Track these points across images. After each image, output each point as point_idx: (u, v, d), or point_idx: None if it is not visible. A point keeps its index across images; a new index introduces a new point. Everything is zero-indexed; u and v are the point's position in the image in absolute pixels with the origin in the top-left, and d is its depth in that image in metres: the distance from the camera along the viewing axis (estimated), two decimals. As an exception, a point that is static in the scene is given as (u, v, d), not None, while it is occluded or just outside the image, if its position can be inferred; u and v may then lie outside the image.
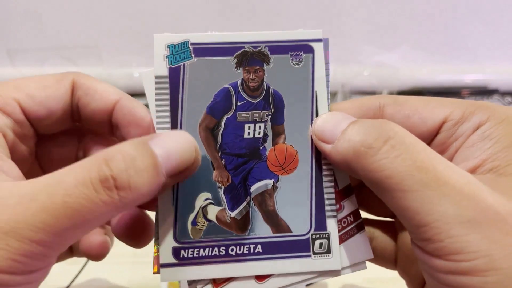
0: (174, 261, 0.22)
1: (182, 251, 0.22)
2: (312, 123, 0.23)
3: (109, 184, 0.18)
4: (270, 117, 0.23)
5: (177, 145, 0.20)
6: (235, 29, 0.23)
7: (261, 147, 0.23)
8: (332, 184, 0.23)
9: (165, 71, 0.23)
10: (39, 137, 0.25)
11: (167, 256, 0.22)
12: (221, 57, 0.23)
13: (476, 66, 0.67)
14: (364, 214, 0.29)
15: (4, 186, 0.19)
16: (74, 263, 0.36)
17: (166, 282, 0.38)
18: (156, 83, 0.23)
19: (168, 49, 0.23)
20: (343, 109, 0.23)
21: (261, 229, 0.23)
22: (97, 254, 0.28)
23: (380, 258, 0.27)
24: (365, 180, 0.20)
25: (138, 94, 0.67)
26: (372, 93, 0.63)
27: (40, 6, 0.62)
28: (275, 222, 0.23)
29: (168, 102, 0.23)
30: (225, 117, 0.23)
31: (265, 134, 0.23)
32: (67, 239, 0.19)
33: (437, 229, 0.18)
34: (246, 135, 0.23)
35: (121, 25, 0.63)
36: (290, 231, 0.23)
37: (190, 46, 0.23)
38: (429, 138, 0.23)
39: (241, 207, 0.23)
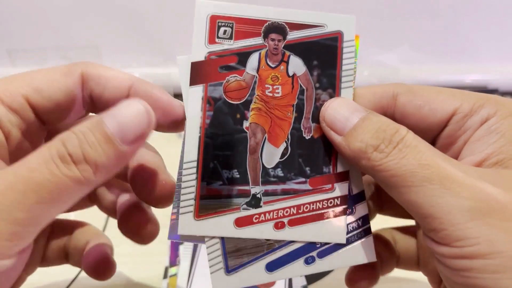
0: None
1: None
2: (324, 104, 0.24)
3: (67, 160, 0.19)
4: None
5: (128, 112, 0.21)
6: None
7: None
8: None
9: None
10: (49, 131, 0.25)
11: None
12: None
13: (476, 66, 0.67)
14: (383, 222, 0.29)
15: None
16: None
17: (166, 281, 0.38)
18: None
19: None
20: (357, 95, 0.24)
21: None
22: (95, 272, 0.28)
23: (405, 261, 0.29)
24: (373, 176, 0.22)
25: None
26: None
27: (40, 6, 0.62)
28: None
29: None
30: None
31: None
32: (38, 217, 0.19)
33: (440, 219, 0.19)
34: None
35: (121, 25, 0.63)
36: None
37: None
38: (438, 130, 0.23)
39: None
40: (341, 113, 0.23)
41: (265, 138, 0.24)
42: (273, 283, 0.38)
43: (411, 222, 0.30)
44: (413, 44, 0.66)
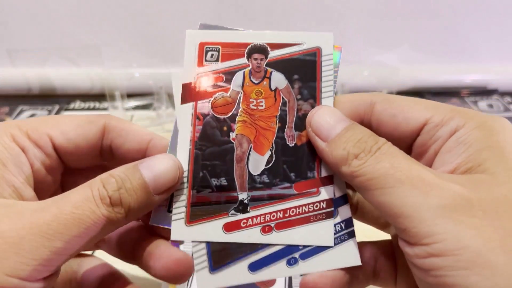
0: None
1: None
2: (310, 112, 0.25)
3: (106, 201, 0.22)
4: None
5: (162, 166, 0.24)
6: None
7: None
8: None
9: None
10: (66, 168, 0.28)
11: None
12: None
13: (476, 66, 0.68)
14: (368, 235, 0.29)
15: (19, 203, 0.22)
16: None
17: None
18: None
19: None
20: (337, 102, 0.25)
21: None
22: (174, 274, 0.27)
23: (383, 279, 0.27)
24: (350, 182, 0.23)
25: (138, 94, 0.67)
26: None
27: (41, 6, 0.62)
28: None
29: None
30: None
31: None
32: (74, 247, 0.21)
33: (410, 217, 0.20)
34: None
35: (121, 25, 0.64)
36: None
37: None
38: (411, 138, 0.24)
39: None
40: (327, 120, 0.24)
41: (251, 147, 0.25)
42: (272, 283, 0.38)
43: (384, 235, 0.29)
44: (413, 44, 0.66)
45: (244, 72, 0.26)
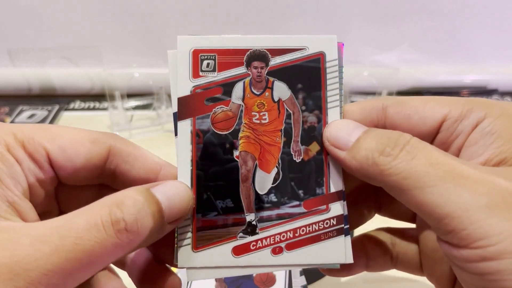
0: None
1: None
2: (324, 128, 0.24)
3: (120, 227, 0.19)
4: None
5: (177, 194, 0.22)
6: (235, 32, 0.24)
7: None
8: None
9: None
10: (60, 182, 0.26)
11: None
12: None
13: (476, 66, 0.68)
14: (385, 221, 0.29)
15: (16, 227, 0.19)
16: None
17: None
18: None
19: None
20: (347, 112, 0.24)
21: None
22: None
23: (404, 263, 0.28)
24: (383, 185, 0.21)
25: (138, 94, 0.67)
26: (372, 93, 0.63)
27: (41, 6, 0.62)
28: None
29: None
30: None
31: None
32: (76, 281, 0.19)
33: (458, 218, 0.18)
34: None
35: (121, 25, 0.64)
36: None
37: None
38: (431, 137, 0.23)
39: None
40: (344, 130, 0.23)
41: (256, 165, 0.24)
42: (272, 283, 0.38)
43: (409, 225, 0.30)
44: (413, 44, 0.66)
45: (244, 82, 0.24)
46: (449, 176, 0.19)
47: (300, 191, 0.24)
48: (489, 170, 0.20)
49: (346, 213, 0.24)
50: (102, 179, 0.26)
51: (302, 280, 0.39)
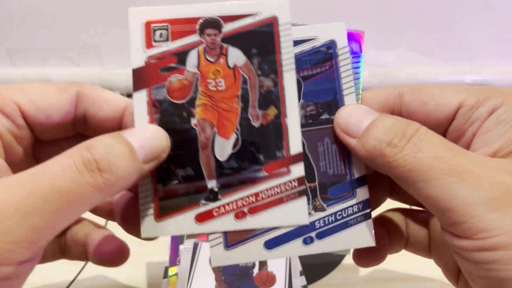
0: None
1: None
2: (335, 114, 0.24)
3: (92, 166, 0.19)
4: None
5: (148, 134, 0.22)
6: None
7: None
8: None
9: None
10: (38, 140, 0.26)
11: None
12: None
13: (476, 66, 0.67)
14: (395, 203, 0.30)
15: None
16: (75, 263, 0.36)
17: (166, 281, 0.38)
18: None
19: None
20: (363, 98, 0.24)
21: None
22: (112, 259, 0.28)
23: (414, 245, 0.29)
24: (390, 175, 0.21)
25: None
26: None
27: (40, 6, 0.62)
28: None
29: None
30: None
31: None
32: (56, 224, 0.19)
33: (460, 212, 0.19)
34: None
35: (121, 25, 0.63)
36: None
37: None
38: (446, 124, 0.24)
39: None
40: (355, 117, 0.23)
41: (215, 132, 0.24)
42: (273, 283, 0.38)
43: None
44: (413, 44, 0.66)
45: (198, 50, 0.24)
46: (453, 170, 0.19)
47: (260, 155, 0.24)
48: (494, 164, 0.20)
49: (368, 196, 0.24)
50: (76, 127, 0.26)
51: (302, 280, 0.39)
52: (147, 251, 0.40)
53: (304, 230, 0.24)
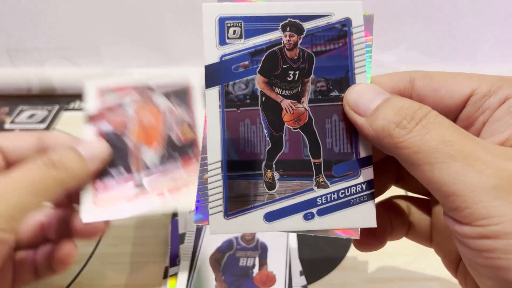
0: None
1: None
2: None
3: (49, 163, 0.29)
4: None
5: (91, 145, 0.33)
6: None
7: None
8: None
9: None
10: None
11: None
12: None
13: (476, 66, 0.68)
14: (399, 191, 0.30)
15: None
16: (75, 262, 0.36)
17: (166, 281, 0.38)
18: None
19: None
20: (374, 81, 0.24)
21: None
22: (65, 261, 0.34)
23: (415, 233, 0.28)
24: (396, 156, 0.21)
25: (138, 94, 0.66)
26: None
27: (40, 6, 0.62)
28: None
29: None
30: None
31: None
32: (28, 204, 0.27)
33: (463, 197, 0.19)
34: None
35: (121, 25, 0.63)
36: None
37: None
38: (456, 111, 0.23)
39: None
40: (365, 96, 0.23)
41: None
42: (272, 283, 0.38)
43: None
44: (413, 44, 0.66)
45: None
46: (459, 155, 0.19)
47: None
48: (502, 152, 0.20)
49: (372, 177, 0.24)
50: None
51: (302, 280, 0.39)
52: (147, 251, 0.40)
53: (305, 206, 0.24)
